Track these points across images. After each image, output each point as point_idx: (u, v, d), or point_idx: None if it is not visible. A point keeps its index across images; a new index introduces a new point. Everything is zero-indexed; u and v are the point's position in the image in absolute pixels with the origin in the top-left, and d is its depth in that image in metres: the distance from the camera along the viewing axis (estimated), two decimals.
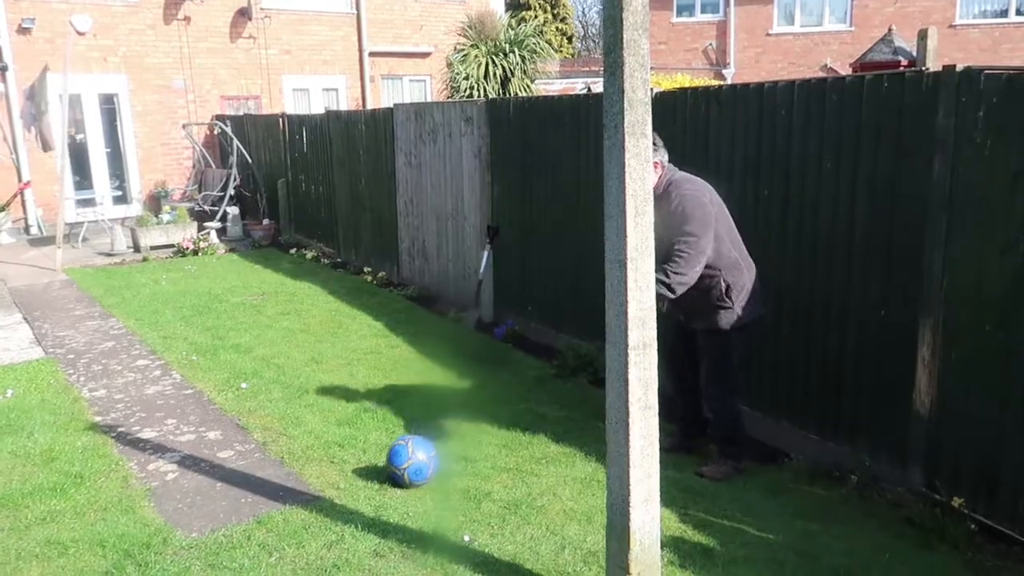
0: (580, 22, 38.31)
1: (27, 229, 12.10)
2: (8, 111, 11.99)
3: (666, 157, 3.82)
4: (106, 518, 3.65)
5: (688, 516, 3.50)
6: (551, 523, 3.48)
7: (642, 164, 2.54)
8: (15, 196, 11.89)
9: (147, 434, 4.63)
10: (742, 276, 3.80)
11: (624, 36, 2.44)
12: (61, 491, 3.91)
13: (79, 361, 6.02)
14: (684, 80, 14.96)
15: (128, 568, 3.23)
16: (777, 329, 4.22)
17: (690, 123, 4.69)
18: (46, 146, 12.05)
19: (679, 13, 21.50)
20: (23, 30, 11.96)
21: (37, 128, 12.19)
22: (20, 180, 12.07)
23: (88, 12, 12.48)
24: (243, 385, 5.37)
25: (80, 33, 12.42)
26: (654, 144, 3.89)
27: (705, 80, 16.62)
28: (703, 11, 21.37)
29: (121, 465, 4.21)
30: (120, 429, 4.71)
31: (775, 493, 3.79)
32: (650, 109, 2.53)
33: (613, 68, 2.50)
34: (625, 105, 2.48)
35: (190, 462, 4.24)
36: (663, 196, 3.67)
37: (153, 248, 10.59)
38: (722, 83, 14.14)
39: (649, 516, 2.76)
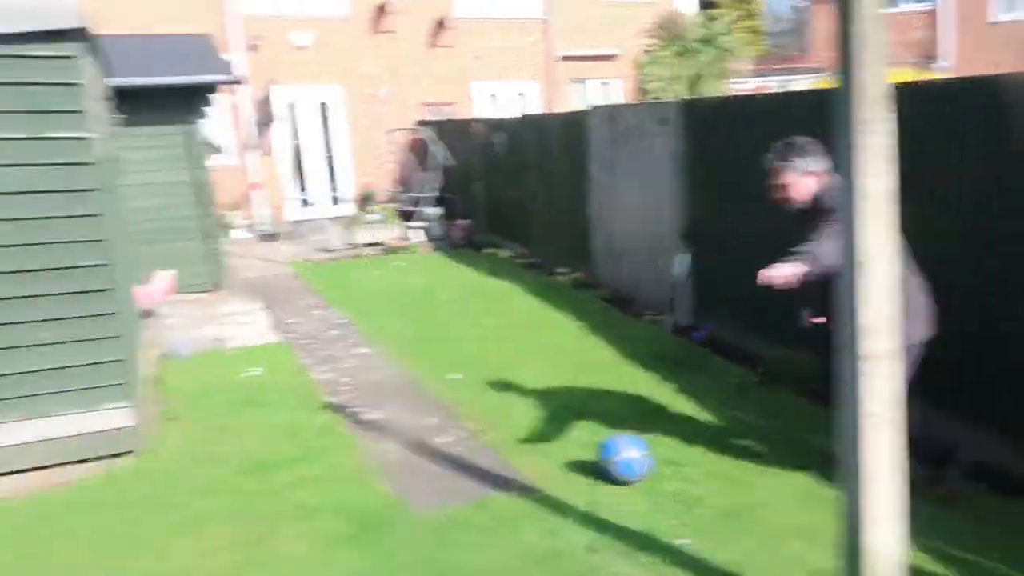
0: (772, 18, 36.62)
1: (257, 226, 13.54)
2: (240, 120, 13.51)
3: (828, 166, 3.60)
4: (344, 489, 4.04)
5: (924, 544, 3.29)
6: (769, 536, 3.42)
7: (877, 162, 2.44)
8: (245, 196, 13.38)
9: (372, 415, 5.06)
10: (911, 290, 3.51)
11: (857, 28, 2.36)
12: (304, 461, 4.38)
13: (309, 346, 6.69)
14: (908, 74, 13.89)
15: (369, 536, 3.57)
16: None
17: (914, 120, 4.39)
18: (270, 151, 13.48)
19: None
20: (253, 47, 13.41)
21: (264, 135, 13.65)
22: (250, 182, 13.56)
23: (307, 28, 13.77)
24: (454, 376, 5.72)
25: (301, 47, 13.74)
26: (813, 153, 3.69)
27: (917, 74, 15.32)
28: (910, 1, 19.73)
29: (352, 442, 4.64)
30: (348, 409, 5.18)
31: (1019, 525, 3.47)
32: (887, 105, 2.42)
33: (844, 62, 2.41)
34: (857, 101, 2.40)
35: (412, 444, 4.59)
36: (821, 209, 3.49)
37: (364, 245, 11.50)
38: (940, 76, 12.98)
39: (886, 537, 2.64)
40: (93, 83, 4.34)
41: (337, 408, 5.21)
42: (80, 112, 4.01)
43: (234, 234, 12.90)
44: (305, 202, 14.21)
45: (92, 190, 4.13)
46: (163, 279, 7.71)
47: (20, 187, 3.99)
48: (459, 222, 12.12)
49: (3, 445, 4.17)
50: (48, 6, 3.80)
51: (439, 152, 12.75)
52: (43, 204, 4.04)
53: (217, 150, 12.60)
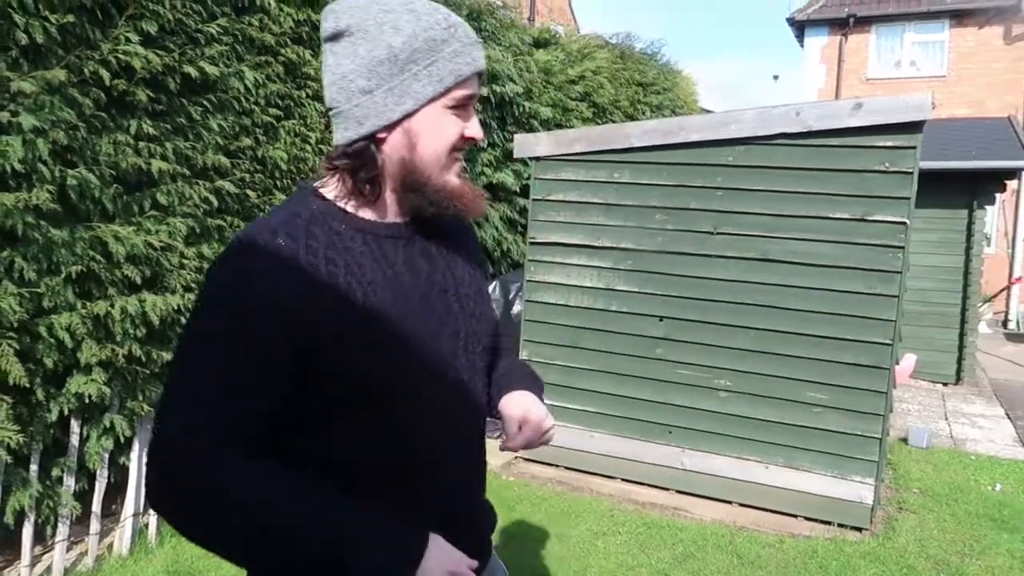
0: None
1: (1005, 323, 12.13)
2: (1017, 206, 12.23)
3: None
4: None
5: None
6: None
7: None
8: (1002, 291, 12.07)
9: None
10: None
11: None
12: None
13: None
14: None
15: None
16: None
17: None
18: None
19: None
20: None
21: None
22: (1011, 275, 12.18)
23: None
24: None
25: None
26: None
27: None
28: None
29: None
30: None
31: None
32: None
33: None
34: None
35: None
36: None
37: None
38: None
39: None
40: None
41: None
42: (906, 199, 4.20)
43: (979, 328, 11.84)
44: None
45: (896, 272, 4.28)
46: (908, 361, 7.57)
47: (838, 262, 4.41)
48: None
49: (763, 482, 4.71)
50: (904, 101, 4.09)
51: None
52: (852, 280, 4.38)
53: (985, 238, 11.73)
